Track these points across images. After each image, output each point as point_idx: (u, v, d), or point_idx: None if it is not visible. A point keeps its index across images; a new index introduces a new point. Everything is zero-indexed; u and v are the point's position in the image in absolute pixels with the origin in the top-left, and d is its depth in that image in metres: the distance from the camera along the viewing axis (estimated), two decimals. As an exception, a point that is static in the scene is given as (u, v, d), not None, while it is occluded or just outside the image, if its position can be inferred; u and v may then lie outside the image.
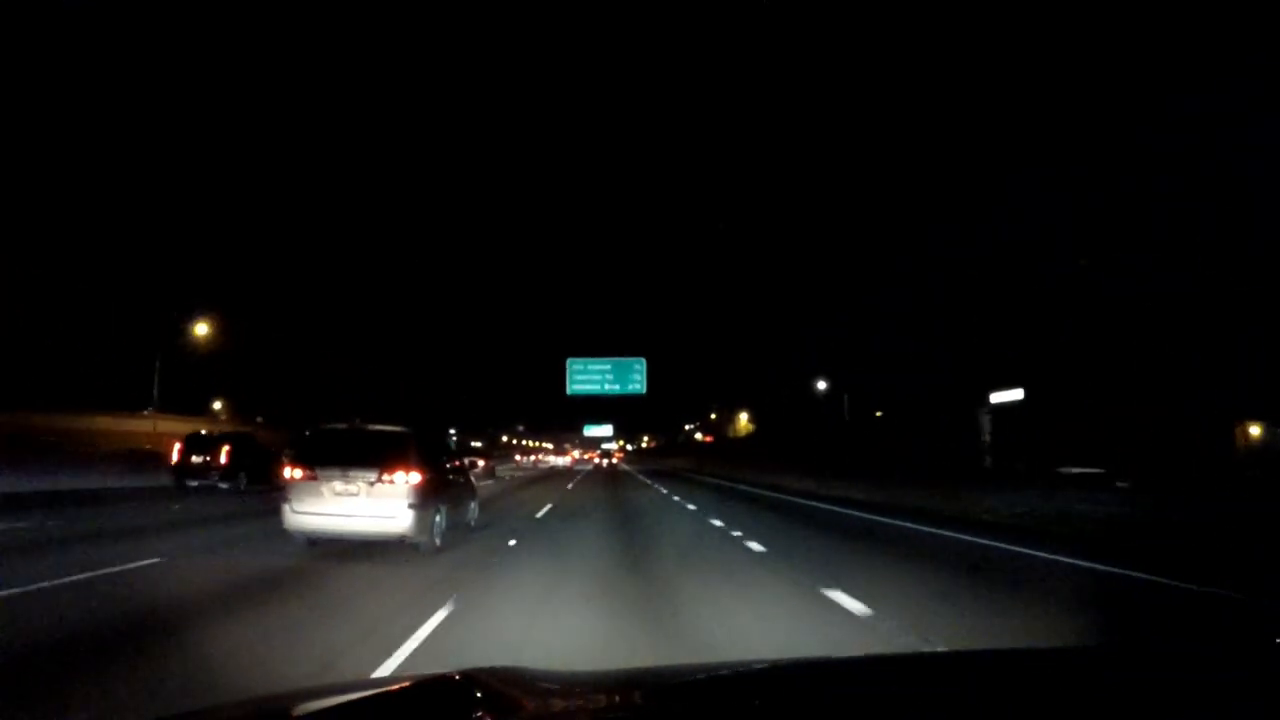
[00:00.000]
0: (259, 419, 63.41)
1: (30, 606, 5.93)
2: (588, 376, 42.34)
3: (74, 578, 6.96)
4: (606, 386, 42.48)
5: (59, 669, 4.37)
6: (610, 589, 7.20)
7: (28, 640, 4.96)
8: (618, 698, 1.64)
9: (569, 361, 42.76)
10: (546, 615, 5.89)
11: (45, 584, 6.64)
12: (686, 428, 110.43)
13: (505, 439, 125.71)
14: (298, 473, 9.30)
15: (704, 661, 3.83)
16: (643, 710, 1.55)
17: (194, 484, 21.45)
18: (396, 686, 1.71)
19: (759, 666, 2.19)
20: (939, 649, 4.75)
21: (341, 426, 10.27)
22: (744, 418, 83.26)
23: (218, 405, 67.70)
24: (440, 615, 5.67)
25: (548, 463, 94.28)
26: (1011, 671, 1.83)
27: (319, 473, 9.17)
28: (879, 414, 47.29)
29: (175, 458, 22.43)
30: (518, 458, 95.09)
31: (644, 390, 42.36)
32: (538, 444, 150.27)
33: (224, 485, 21.61)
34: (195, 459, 22.18)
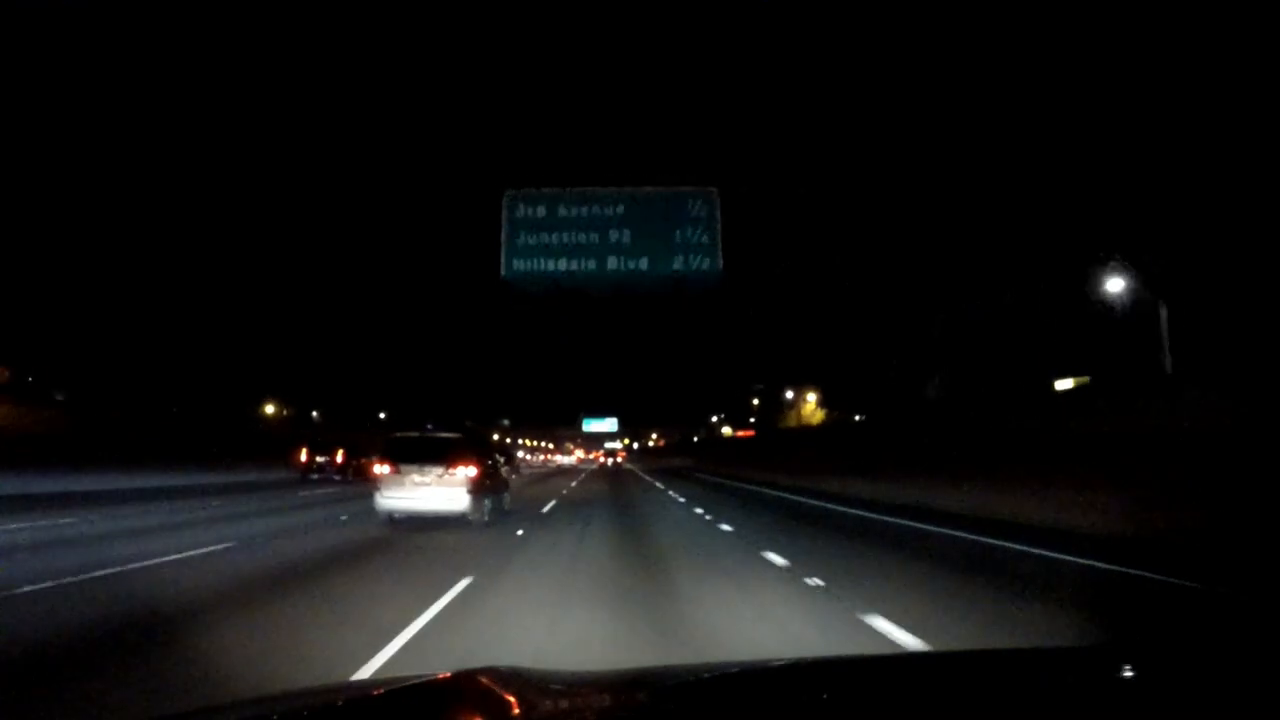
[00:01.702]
0: (174, 409, 55.42)
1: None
2: (560, 238, 16.98)
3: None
4: (625, 262, 16.85)
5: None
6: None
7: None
8: (620, 698, 1.65)
9: (507, 201, 17.10)
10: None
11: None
12: (713, 420, 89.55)
13: (497, 438, 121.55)
14: (385, 468, 12.18)
15: (705, 662, 3.84)
16: (644, 710, 1.56)
17: (315, 477, 28.75)
18: (398, 686, 1.71)
19: (760, 667, 2.20)
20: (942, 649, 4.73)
21: (414, 434, 13.24)
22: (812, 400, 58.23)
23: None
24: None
25: (555, 462, 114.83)
26: (1011, 671, 1.83)
27: (401, 468, 12.00)
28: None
29: (304, 458, 29.75)
30: (528, 458, 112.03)
31: (719, 267, 16.77)
32: (538, 443, 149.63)
33: (337, 478, 28.62)
34: (318, 459, 29.77)
